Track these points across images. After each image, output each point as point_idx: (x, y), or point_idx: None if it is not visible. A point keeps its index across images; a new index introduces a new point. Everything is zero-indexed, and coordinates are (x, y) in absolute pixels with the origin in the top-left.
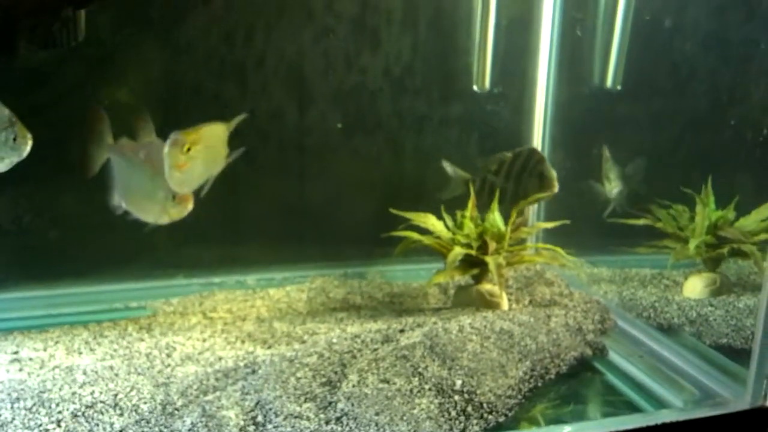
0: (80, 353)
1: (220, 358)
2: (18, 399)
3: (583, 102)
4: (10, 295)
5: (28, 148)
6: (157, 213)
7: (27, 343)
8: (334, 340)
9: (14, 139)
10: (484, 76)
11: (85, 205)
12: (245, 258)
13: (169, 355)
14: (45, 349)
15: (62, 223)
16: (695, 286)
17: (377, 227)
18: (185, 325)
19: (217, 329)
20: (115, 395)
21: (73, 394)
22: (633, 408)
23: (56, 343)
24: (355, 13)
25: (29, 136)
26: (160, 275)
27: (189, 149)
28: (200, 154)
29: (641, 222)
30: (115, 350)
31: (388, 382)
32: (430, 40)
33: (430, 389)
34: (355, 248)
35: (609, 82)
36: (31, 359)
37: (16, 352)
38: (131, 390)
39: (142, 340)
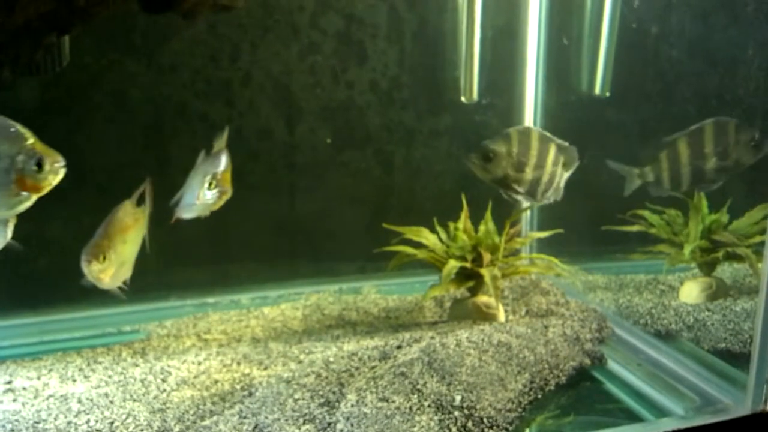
0: (74, 381)
1: (216, 381)
2: (12, 430)
3: (572, 110)
4: (1, 323)
5: (9, 232)
6: None
7: (20, 372)
8: (331, 359)
9: None
10: (471, 87)
11: (73, 231)
12: (239, 277)
13: (164, 380)
14: (39, 378)
15: (52, 250)
16: (691, 291)
17: (370, 242)
18: (180, 348)
19: (212, 351)
20: (111, 423)
21: (69, 423)
22: (634, 417)
23: (50, 371)
24: (341, 27)
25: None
26: (152, 297)
27: (104, 257)
28: (118, 253)
29: (635, 228)
30: (109, 377)
31: (387, 401)
32: (417, 53)
33: (429, 406)
34: (349, 263)
35: (597, 89)
36: (24, 389)
37: (9, 382)
38: (127, 417)
39: (136, 365)
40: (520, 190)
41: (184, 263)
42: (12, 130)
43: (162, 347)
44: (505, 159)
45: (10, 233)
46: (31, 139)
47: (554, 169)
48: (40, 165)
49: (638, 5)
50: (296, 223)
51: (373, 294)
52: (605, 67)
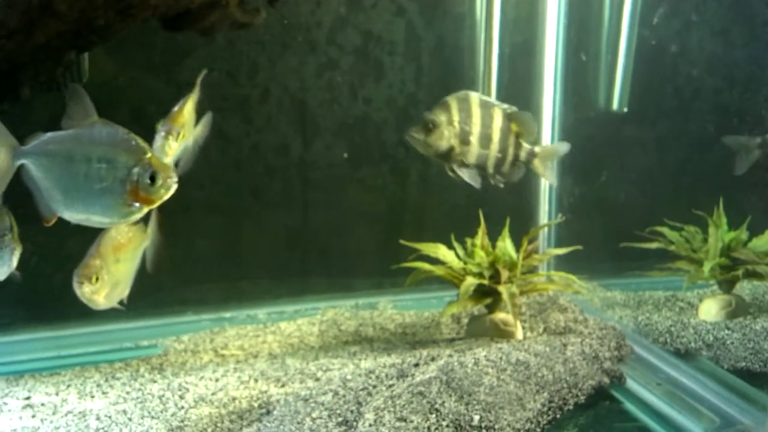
0: (92, 397)
1: (234, 399)
2: None
3: (590, 125)
4: (19, 337)
5: (14, 260)
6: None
7: (38, 388)
8: (349, 377)
9: (1, 249)
10: None
11: (89, 246)
12: (255, 292)
13: (182, 397)
14: (57, 394)
15: (68, 265)
16: (711, 309)
17: (386, 257)
18: (197, 364)
19: (230, 368)
20: None
21: None
22: None
23: (68, 386)
24: (359, 44)
25: (19, 246)
26: (169, 312)
27: (97, 278)
28: (111, 273)
29: (654, 245)
30: (127, 393)
31: (405, 420)
32: (434, 70)
33: (447, 426)
34: (365, 279)
35: (615, 105)
36: (43, 404)
37: (28, 398)
38: None
39: (154, 381)
40: (468, 164)
41: (201, 278)
42: (132, 143)
43: (179, 363)
44: (446, 129)
45: (15, 262)
46: (148, 154)
47: (506, 140)
48: (153, 179)
49: (657, 23)
50: (312, 239)
51: (390, 309)
52: (623, 82)
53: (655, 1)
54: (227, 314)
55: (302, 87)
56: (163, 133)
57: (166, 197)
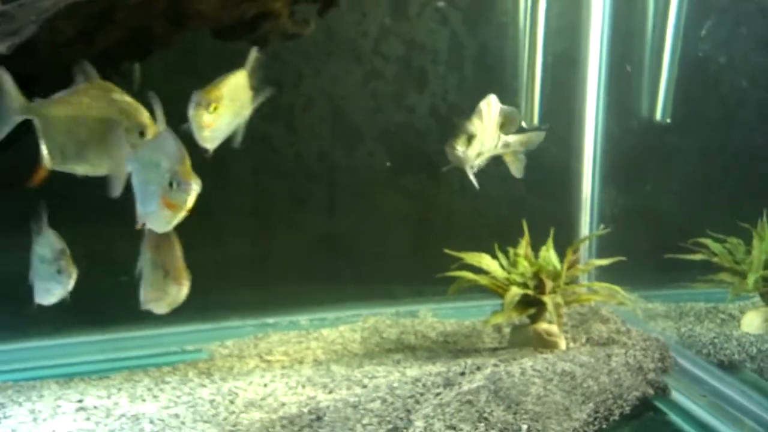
0: (143, 400)
1: (284, 404)
2: None
3: (633, 136)
4: (67, 340)
5: (71, 282)
6: (152, 298)
7: (90, 391)
8: (395, 384)
9: (59, 272)
10: (532, 112)
11: (137, 251)
12: (297, 298)
13: (232, 402)
14: (108, 397)
15: (116, 269)
16: (753, 321)
17: (426, 265)
18: (244, 369)
19: (276, 373)
20: None
21: None
22: None
23: (119, 390)
24: (402, 53)
25: (74, 270)
26: (213, 317)
27: (216, 108)
28: (226, 108)
29: (698, 257)
30: (178, 397)
31: (454, 428)
32: (477, 79)
33: None
34: (405, 286)
35: (658, 115)
36: (96, 407)
37: (80, 401)
38: None
39: (203, 386)
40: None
41: (245, 283)
42: (170, 147)
43: (226, 368)
44: (480, 137)
45: (71, 285)
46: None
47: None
48: (172, 183)
49: (704, 35)
50: (354, 246)
51: (430, 318)
52: (666, 93)
53: (699, 13)
54: (270, 320)
55: (346, 96)
56: (193, 103)
57: (187, 204)
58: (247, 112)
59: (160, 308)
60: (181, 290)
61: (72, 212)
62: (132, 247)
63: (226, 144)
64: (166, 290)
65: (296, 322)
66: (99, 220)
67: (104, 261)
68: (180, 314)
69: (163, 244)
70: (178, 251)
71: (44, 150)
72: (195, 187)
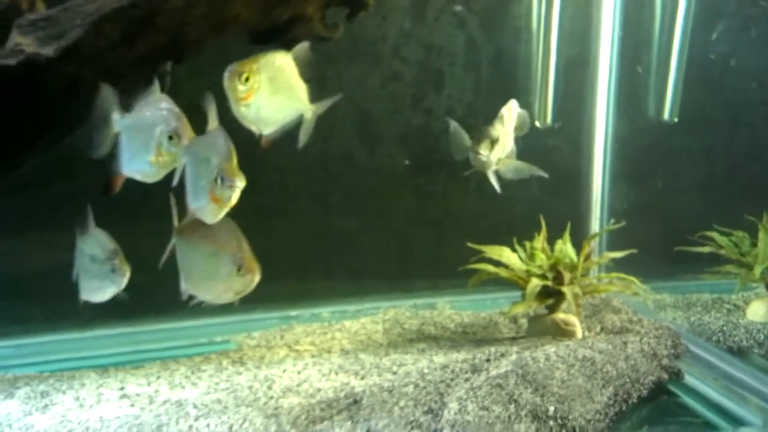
0: (183, 387)
1: (319, 390)
2: None
3: (642, 135)
4: (99, 333)
5: (125, 281)
6: (220, 291)
7: (129, 379)
8: (425, 371)
9: (113, 271)
10: (546, 112)
11: (164, 246)
12: (318, 291)
13: (269, 388)
14: (149, 385)
15: (145, 265)
16: (758, 310)
17: (443, 260)
18: (275, 358)
19: (308, 362)
20: (230, 427)
21: (190, 427)
22: (713, 428)
23: (157, 378)
24: (421, 57)
25: (127, 269)
26: (239, 309)
27: (248, 78)
28: (264, 85)
29: (707, 250)
30: (216, 384)
31: (487, 410)
32: (493, 81)
33: (526, 415)
34: (423, 280)
35: (666, 116)
36: (138, 395)
37: (122, 388)
38: (244, 422)
39: (239, 373)
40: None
41: (269, 277)
42: (220, 144)
43: (258, 357)
44: (502, 139)
45: (124, 283)
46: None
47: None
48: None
49: (715, 38)
50: (374, 241)
51: (448, 310)
52: (674, 94)
53: (705, 18)
54: (293, 312)
55: (367, 97)
56: (227, 73)
57: (231, 200)
58: (302, 105)
59: (228, 299)
60: (253, 280)
61: (101, 211)
62: (158, 244)
63: (255, 144)
64: (239, 282)
65: (318, 315)
66: (125, 220)
67: (132, 257)
68: (206, 307)
69: (230, 236)
70: (246, 243)
71: None
72: (239, 184)
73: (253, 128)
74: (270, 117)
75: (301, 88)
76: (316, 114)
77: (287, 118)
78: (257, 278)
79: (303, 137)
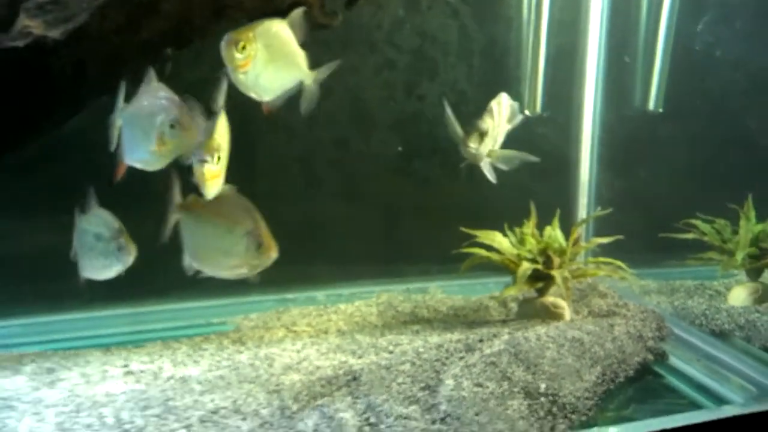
0: (185, 365)
1: (318, 367)
2: (146, 407)
3: (628, 124)
4: (98, 313)
5: (131, 259)
6: (235, 267)
7: (132, 357)
8: (421, 350)
9: (119, 249)
10: (535, 101)
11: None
12: (314, 275)
13: (270, 365)
14: (152, 362)
15: (143, 247)
16: (740, 295)
17: (435, 245)
18: (273, 338)
19: (306, 341)
20: (234, 401)
21: (195, 401)
22: (697, 406)
23: (160, 356)
24: (415, 45)
25: (133, 247)
26: (235, 292)
27: (245, 47)
28: (260, 53)
29: (691, 236)
30: (218, 362)
31: (481, 386)
32: (484, 69)
33: (518, 392)
34: (415, 265)
35: (651, 105)
36: (142, 372)
37: (126, 365)
38: (247, 397)
39: (240, 352)
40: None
41: None
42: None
43: (257, 337)
44: (491, 134)
45: (131, 261)
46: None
47: None
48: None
49: (701, 29)
50: (368, 227)
51: (440, 294)
52: (659, 84)
53: (691, 9)
54: (290, 295)
55: (361, 85)
56: (223, 43)
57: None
58: (300, 72)
59: (239, 275)
60: (271, 256)
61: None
62: (158, 227)
63: (253, 131)
64: (259, 258)
65: (313, 298)
66: (125, 200)
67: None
68: (203, 289)
69: (245, 213)
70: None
71: None
72: (207, 159)
73: (253, 95)
74: (269, 84)
75: (300, 55)
76: (316, 81)
77: (286, 84)
78: (274, 254)
79: (305, 104)
